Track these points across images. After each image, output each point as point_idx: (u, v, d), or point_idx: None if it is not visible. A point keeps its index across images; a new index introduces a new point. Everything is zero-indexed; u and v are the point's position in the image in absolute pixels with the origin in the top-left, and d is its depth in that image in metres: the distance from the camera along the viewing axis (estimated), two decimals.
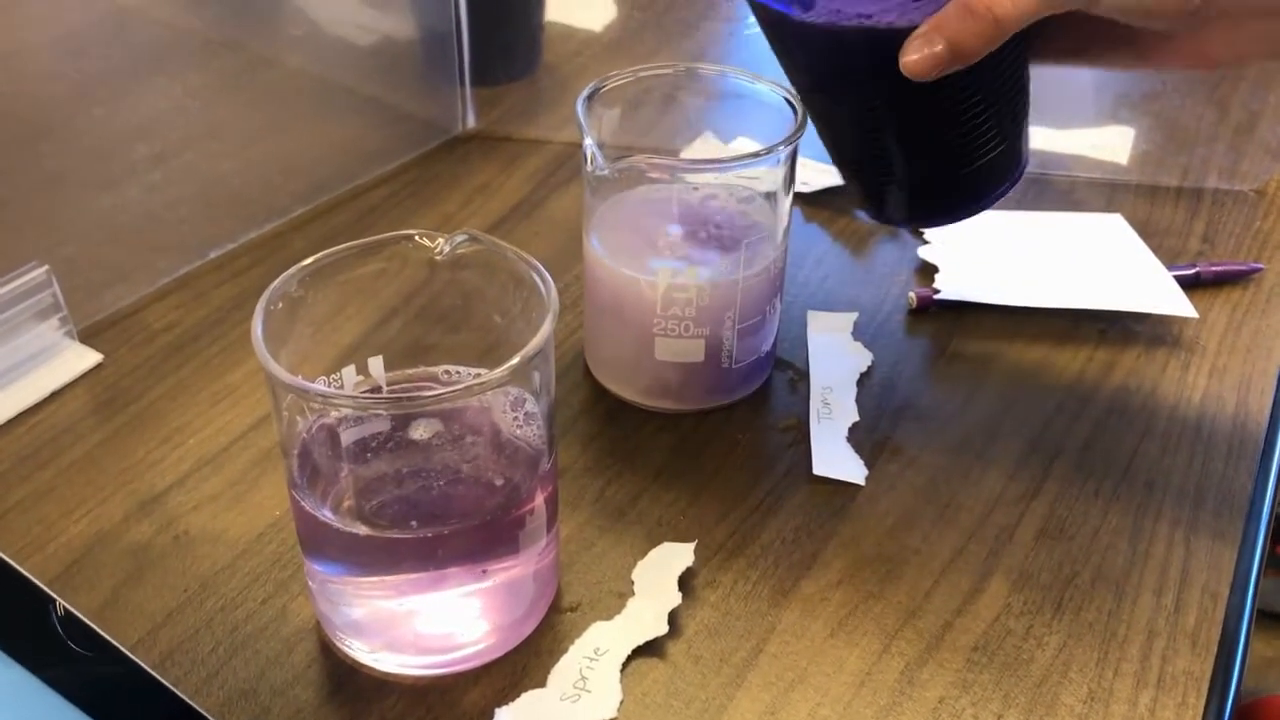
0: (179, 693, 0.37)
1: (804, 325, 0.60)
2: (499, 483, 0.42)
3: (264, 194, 0.68)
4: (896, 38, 0.41)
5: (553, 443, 0.42)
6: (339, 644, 0.44)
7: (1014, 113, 0.46)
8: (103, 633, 0.36)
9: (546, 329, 0.39)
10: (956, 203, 0.49)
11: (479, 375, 0.44)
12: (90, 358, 0.58)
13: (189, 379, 0.57)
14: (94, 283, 0.60)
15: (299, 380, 0.37)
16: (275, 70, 0.68)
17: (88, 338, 0.59)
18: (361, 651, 0.43)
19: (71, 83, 0.58)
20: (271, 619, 0.45)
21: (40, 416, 0.55)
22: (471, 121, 0.78)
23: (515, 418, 0.43)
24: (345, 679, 0.43)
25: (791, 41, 0.45)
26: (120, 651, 0.37)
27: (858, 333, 0.60)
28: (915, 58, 0.41)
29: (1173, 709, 0.42)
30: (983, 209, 0.48)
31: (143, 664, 0.37)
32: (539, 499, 0.42)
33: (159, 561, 0.48)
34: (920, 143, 0.46)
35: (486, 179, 0.73)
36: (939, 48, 0.40)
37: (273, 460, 0.52)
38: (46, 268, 0.56)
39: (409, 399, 0.40)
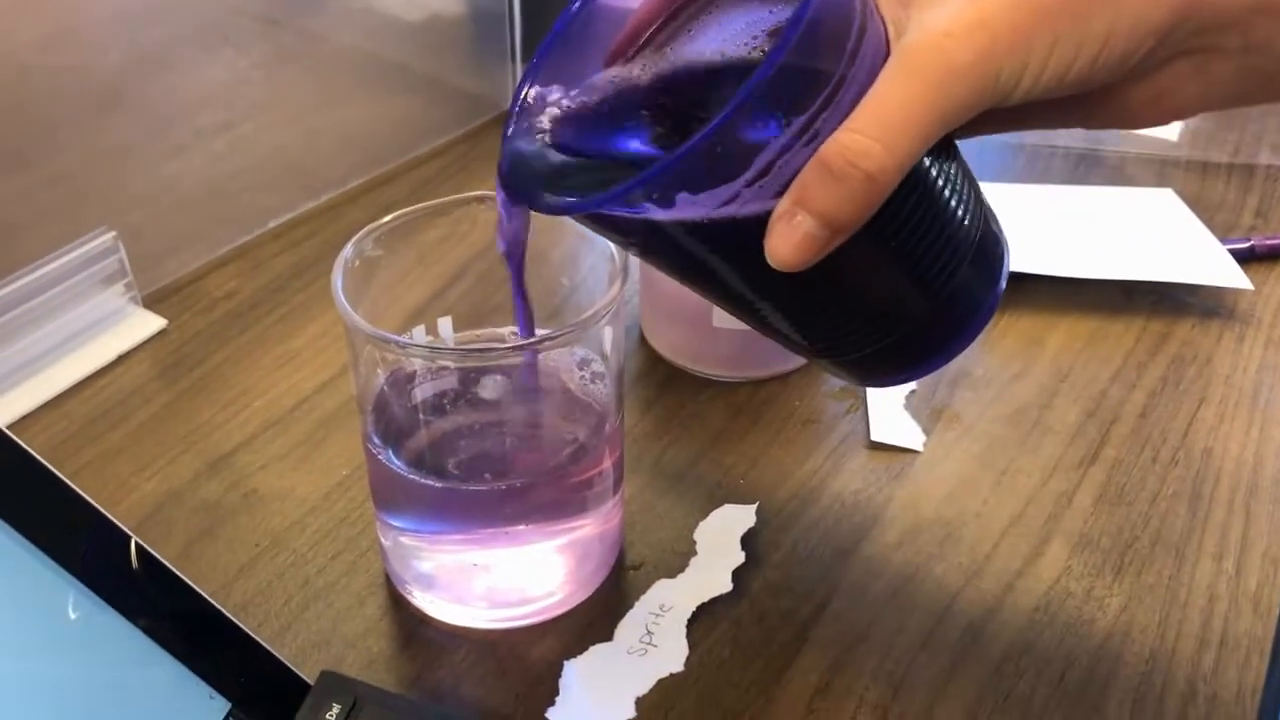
0: (258, 638, 0.38)
1: None
2: (568, 440, 0.43)
3: (321, 165, 0.69)
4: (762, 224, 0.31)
5: (620, 403, 0.43)
6: (410, 598, 0.45)
7: (965, 196, 0.34)
8: (182, 575, 0.37)
9: (618, 287, 0.39)
10: (955, 332, 0.38)
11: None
12: (155, 323, 0.59)
13: (251, 344, 0.58)
14: (157, 251, 0.61)
15: (380, 330, 0.37)
16: (331, 45, 0.69)
17: (151, 304, 0.60)
18: (432, 605, 0.44)
19: (136, 54, 0.59)
20: (342, 573, 0.46)
21: (107, 380, 0.56)
22: None
23: (583, 377, 0.44)
24: (416, 631, 0.44)
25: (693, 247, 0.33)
26: (199, 596, 0.37)
27: None
28: (781, 247, 0.30)
29: (1235, 670, 0.42)
30: (991, 313, 0.38)
31: (222, 609, 0.37)
32: (607, 460, 0.43)
33: (230, 518, 0.49)
34: (877, 298, 0.35)
35: None
36: (808, 228, 0.30)
37: (338, 422, 0.53)
38: (114, 233, 0.57)
39: (487, 350, 0.41)
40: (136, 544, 0.37)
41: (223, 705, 0.37)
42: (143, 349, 0.58)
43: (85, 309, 0.57)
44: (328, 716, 0.38)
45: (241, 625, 0.38)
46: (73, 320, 0.57)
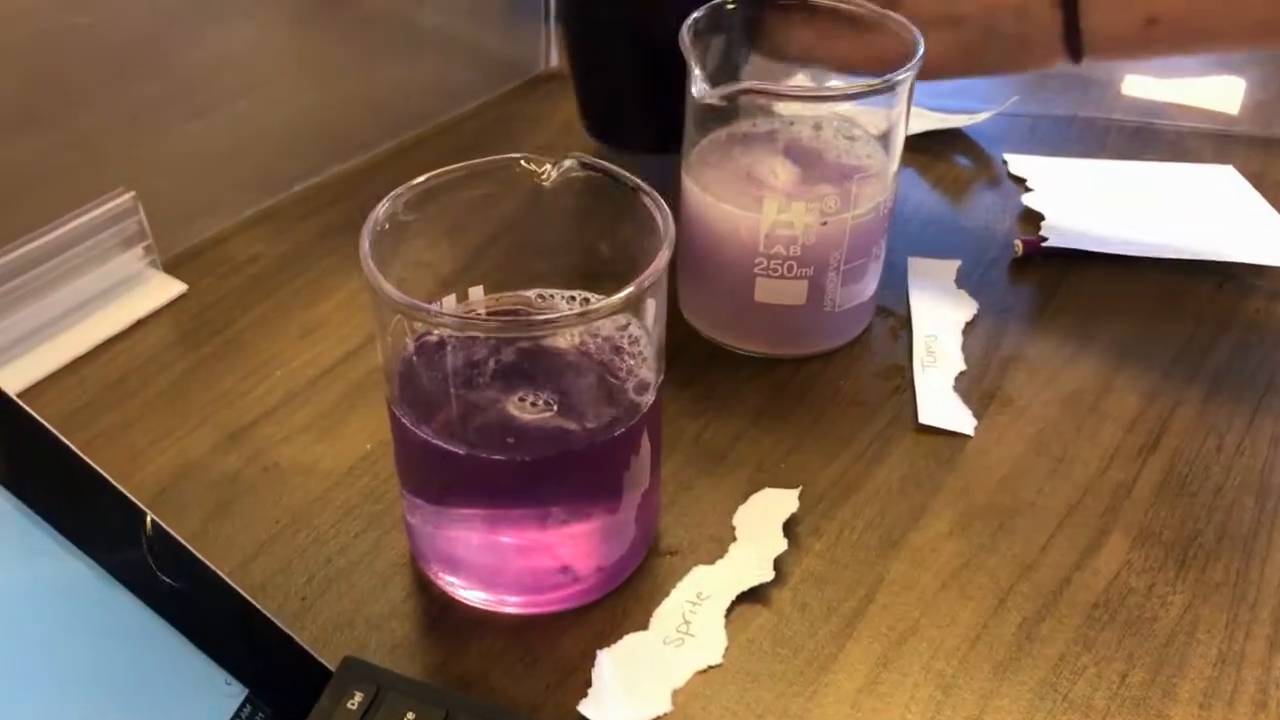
0: (277, 621, 0.36)
1: (905, 272, 0.58)
2: (604, 412, 0.41)
3: (349, 128, 0.66)
4: None
5: (660, 378, 0.41)
6: (436, 579, 0.43)
7: None
8: (198, 554, 0.35)
9: (664, 256, 0.37)
10: None
11: (589, 300, 0.43)
12: (174, 287, 0.57)
13: (274, 311, 0.56)
14: (177, 213, 0.59)
15: (410, 298, 0.35)
16: (361, 5, 0.66)
17: (171, 268, 0.58)
18: (460, 587, 0.42)
19: (159, 12, 0.56)
20: (366, 552, 0.44)
21: (125, 345, 0.54)
22: (554, 60, 0.76)
23: (624, 350, 0.41)
24: (443, 614, 0.42)
25: None
26: (216, 575, 0.36)
27: (961, 280, 0.58)
28: None
29: None
30: None
31: (239, 588, 0.36)
32: (645, 438, 0.41)
33: (249, 493, 0.47)
34: None
35: (568, 117, 0.71)
36: None
37: (363, 393, 0.51)
38: (133, 194, 0.55)
39: (522, 322, 0.38)
40: (151, 520, 0.35)
41: (239, 691, 0.35)
42: (162, 314, 0.56)
43: (103, 272, 0.55)
44: (349, 705, 0.36)
45: (260, 607, 0.36)
46: (90, 283, 0.55)
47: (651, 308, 0.39)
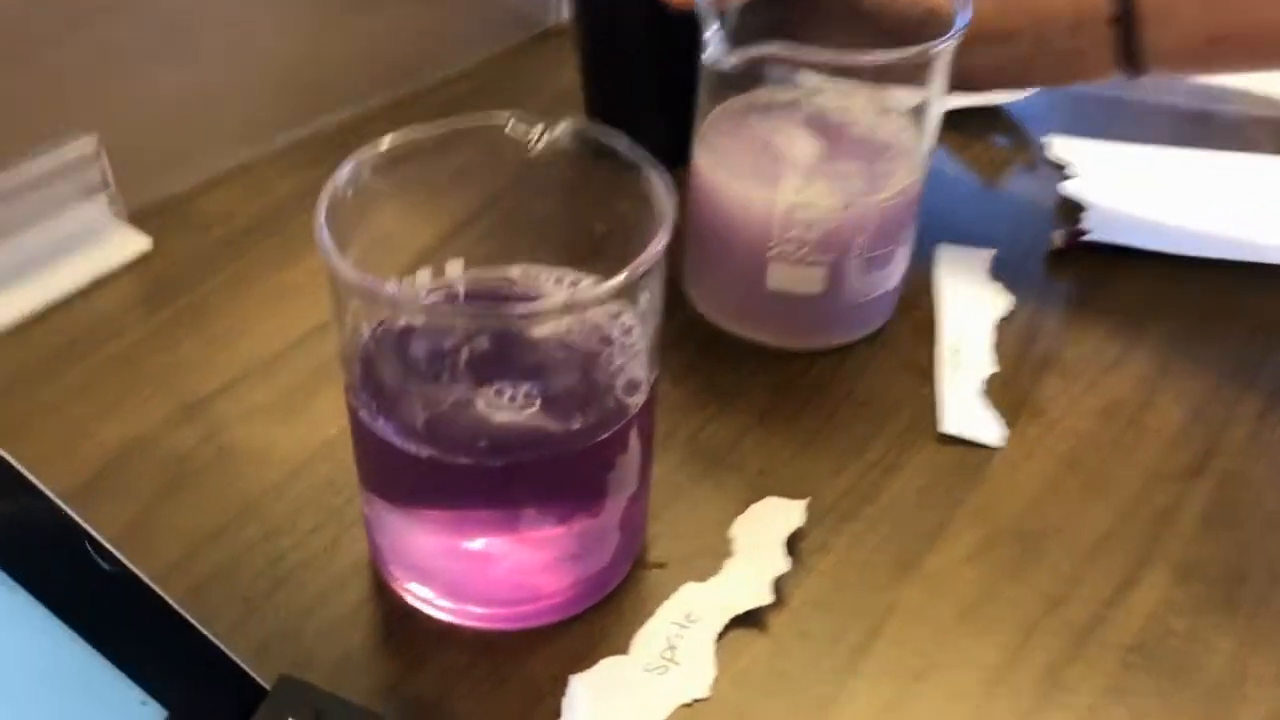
0: (205, 631, 0.32)
1: (931, 261, 0.53)
2: (588, 412, 0.36)
3: (337, 80, 0.61)
4: None
5: (654, 369, 0.36)
6: (396, 585, 0.38)
7: None
8: (126, 561, 0.31)
9: (662, 240, 0.32)
10: None
11: (575, 284, 0.38)
12: (138, 243, 0.53)
13: (244, 274, 0.52)
14: (146, 164, 0.54)
15: (369, 280, 0.31)
16: None
17: (136, 222, 0.54)
18: (421, 595, 0.38)
19: None
20: (321, 550, 0.40)
21: (79, 304, 0.50)
22: (564, 14, 0.71)
23: (615, 341, 0.37)
24: (401, 625, 0.38)
25: None
26: (133, 574, 0.31)
27: (994, 273, 0.53)
28: None
29: None
30: None
31: (160, 590, 0.31)
32: (632, 437, 0.36)
33: (199, 476, 0.42)
34: None
35: (576, 78, 0.66)
36: None
37: (332, 371, 0.47)
38: (96, 137, 0.50)
39: (496, 314, 0.34)
40: (56, 507, 0.30)
41: (156, 714, 0.31)
42: (122, 273, 0.52)
43: (58, 222, 0.51)
44: None
45: (184, 613, 0.32)
46: (43, 234, 0.50)
47: (647, 296, 0.34)
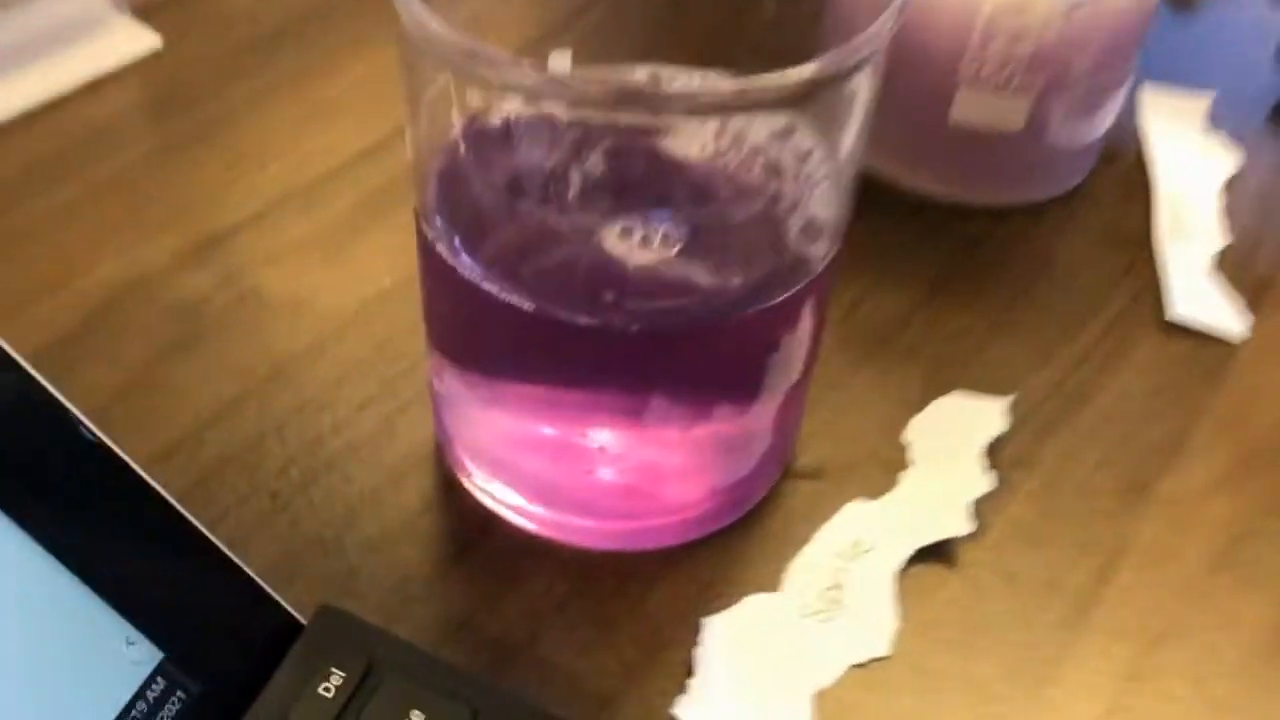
0: (216, 540, 0.23)
1: (1132, 107, 0.42)
2: (750, 269, 0.26)
3: None
4: None
5: (844, 223, 0.26)
6: (471, 484, 0.29)
7: None
8: (107, 439, 0.22)
9: (894, 12, 0.22)
10: None
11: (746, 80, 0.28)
12: (145, 40, 0.42)
13: (273, 86, 0.42)
14: None
15: (468, 40, 0.20)
16: None
17: (144, 14, 0.43)
18: (505, 500, 0.28)
19: None
20: (371, 434, 0.30)
21: (73, 109, 0.40)
22: None
23: (793, 174, 0.26)
24: (477, 539, 0.28)
25: None
26: (133, 471, 0.22)
27: (1212, 123, 0.42)
28: None
29: None
30: None
31: (156, 484, 0.22)
32: (807, 312, 0.26)
33: (215, 329, 0.33)
34: None
35: None
36: None
37: (386, 206, 0.37)
38: None
39: (654, 95, 0.23)
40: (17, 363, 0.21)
41: (149, 656, 0.22)
42: (126, 74, 0.41)
43: (50, 9, 0.41)
44: (323, 690, 0.22)
45: (190, 517, 0.23)
46: (31, 22, 0.40)
47: (853, 107, 0.24)
